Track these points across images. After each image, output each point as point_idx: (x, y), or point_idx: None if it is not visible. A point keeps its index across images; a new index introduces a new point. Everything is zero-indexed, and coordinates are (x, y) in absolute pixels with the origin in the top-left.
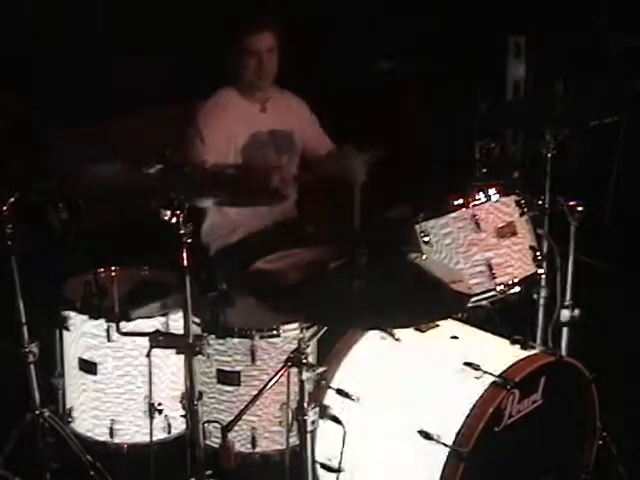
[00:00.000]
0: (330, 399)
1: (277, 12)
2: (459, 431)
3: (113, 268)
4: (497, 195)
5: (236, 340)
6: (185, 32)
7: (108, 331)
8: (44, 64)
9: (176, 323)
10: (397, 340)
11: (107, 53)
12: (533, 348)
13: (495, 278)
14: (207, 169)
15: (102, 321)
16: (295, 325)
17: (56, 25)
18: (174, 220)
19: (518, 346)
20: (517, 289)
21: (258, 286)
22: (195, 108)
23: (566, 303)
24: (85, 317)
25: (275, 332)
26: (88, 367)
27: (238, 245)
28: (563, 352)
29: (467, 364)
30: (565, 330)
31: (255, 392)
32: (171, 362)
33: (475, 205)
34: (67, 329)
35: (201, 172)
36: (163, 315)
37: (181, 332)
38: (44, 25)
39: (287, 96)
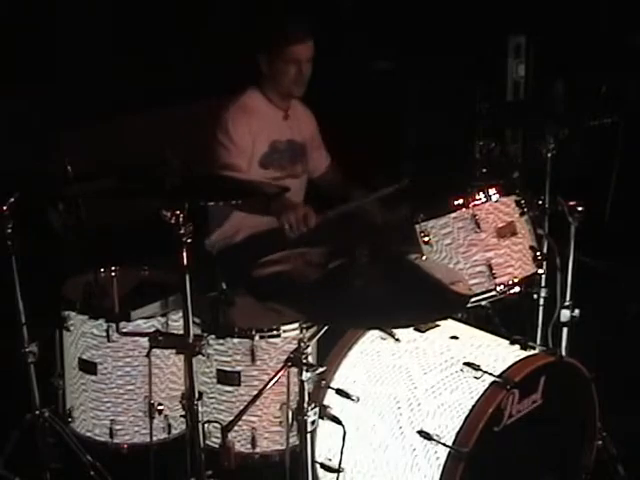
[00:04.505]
0: (330, 399)
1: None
2: (459, 431)
3: (113, 268)
4: (497, 195)
5: (236, 340)
6: (205, 34)
7: (108, 331)
8: (44, 64)
9: (176, 323)
10: (397, 340)
11: (113, 52)
12: (533, 348)
13: (495, 278)
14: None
15: (102, 321)
16: (295, 325)
17: (57, 23)
18: (174, 220)
19: (518, 346)
20: (517, 289)
21: (260, 286)
22: (220, 108)
23: (566, 303)
24: (85, 317)
25: (275, 332)
26: (88, 367)
27: (241, 245)
28: (563, 352)
29: (467, 364)
30: (565, 330)
31: (255, 392)
32: (171, 362)
33: (475, 205)
34: (67, 329)
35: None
36: (163, 315)
37: (181, 332)
38: (45, 25)
39: (302, 106)
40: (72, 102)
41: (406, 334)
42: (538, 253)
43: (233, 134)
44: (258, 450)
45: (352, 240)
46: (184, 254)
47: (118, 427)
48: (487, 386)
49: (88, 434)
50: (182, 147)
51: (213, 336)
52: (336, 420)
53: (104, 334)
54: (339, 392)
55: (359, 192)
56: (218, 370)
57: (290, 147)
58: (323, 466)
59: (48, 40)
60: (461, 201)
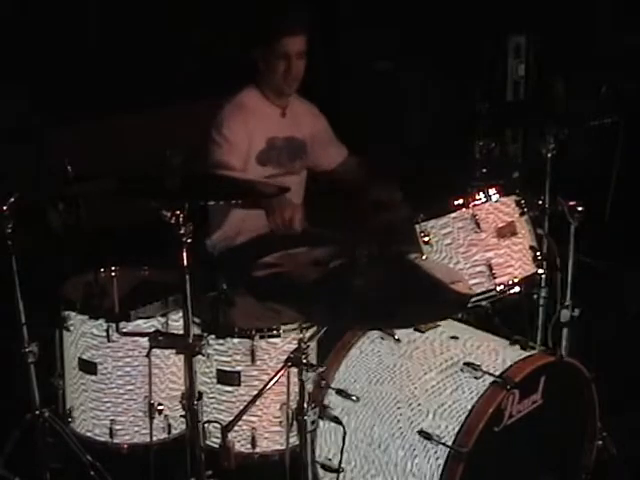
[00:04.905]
0: (330, 399)
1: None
2: (459, 431)
3: (113, 268)
4: (497, 195)
5: (236, 340)
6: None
7: (108, 331)
8: (44, 64)
9: (176, 323)
10: (397, 340)
11: (112, 52)
12: (533, 348)
13: (495, 278)
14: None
15: (102, 321)
16: (295, 325)
17: (57, 24)
18: (174, 220)
19: (518, 346)
20: (517, 289)
21: (260, 286)
22: (216, 107)
23: (566, 303)
24: (85, 317)
25: (275, 332)
26: (88, 367)
27: (242, 247)
28: (563, 352)
29: (467, 364)
30: (565, 330)
31: (255, 392)
32: (171, 362)
33: (475, 205)
34: (67, 329)
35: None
36: (163, 315)
37: (181, 332)
38: (44, 24)
39: (304, 103)
40: (72, 102)
41: (406, 334)
42: (538, 253)
43: (227, 132)
44: (258, 450)
45: (352, 240)
46: (184, 254)
47: (118, 427)
48: (487, 386)
49: (88, 434)
50: (183, 147)
51: (213, 336)
52: (336, 420)
53: (104, 334)
54: (339, 392)
55: (378, 187)
56: (218, 370)
57: (288, 144)
58: (323, 466)
59: (48, 39)
60: (461, 201)
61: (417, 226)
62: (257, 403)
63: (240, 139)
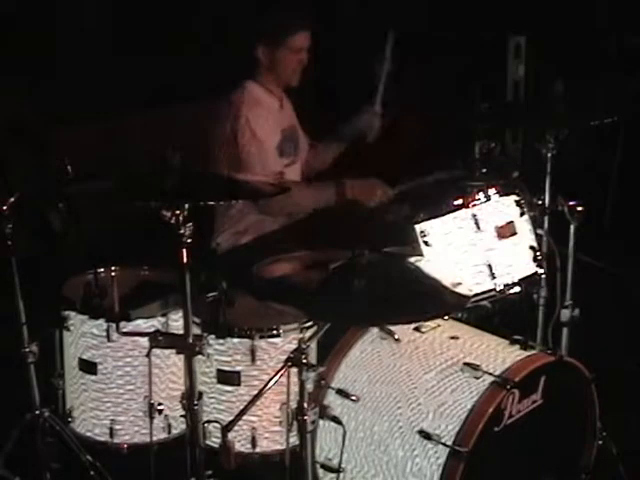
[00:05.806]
0: (330, 399)
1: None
2: (459, 431)
3: (113, 268)
4: (497, 195)
5: (236, 340)
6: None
7: (108, 331)
8: (44, 63)
9: (176, 323)
10: (397, 340)
11: (111, 51)
12: (533, 348)
13: (495, 278)
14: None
15: (102, 321)
16: (295, 325)
17: (57, 23)
18: (174, 220)
19: (518, 346)
20: (517, 289)
21: (261, 286)
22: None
23: (566, 303)
24: (85, 317)
25: (275, 332)
26: (88, 367)
27: (246, 247)
28: (563, 352)
29: (467, 364)
30: (565, 330)
31: (255, 392)
32: (171, 362)
33: (475, 205)
34: (67, 329)
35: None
36: (163, 315)
37: (181, 332)
38: (44, 23)
39: (285, 95)
40: (72, 102)
41: (406, 334)
42: (538, 253)
43: (260, 133)
44: (258, 450)
45: (352, 240)
46: (184, 254)
47: (118, 427)
48: (487, 386)
49: (88, 434)
50: (183, 147)
51: (213, 336)
52: (336, 420)
53: (104, 334)
54: (339, 392)
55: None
56: (218, 370)
57: (292, 133)
58: (323, 466)
59: (49, 38)
60: (461, 201)
61: (417, 226)
62: (257, 403)
63: (270, 137)
